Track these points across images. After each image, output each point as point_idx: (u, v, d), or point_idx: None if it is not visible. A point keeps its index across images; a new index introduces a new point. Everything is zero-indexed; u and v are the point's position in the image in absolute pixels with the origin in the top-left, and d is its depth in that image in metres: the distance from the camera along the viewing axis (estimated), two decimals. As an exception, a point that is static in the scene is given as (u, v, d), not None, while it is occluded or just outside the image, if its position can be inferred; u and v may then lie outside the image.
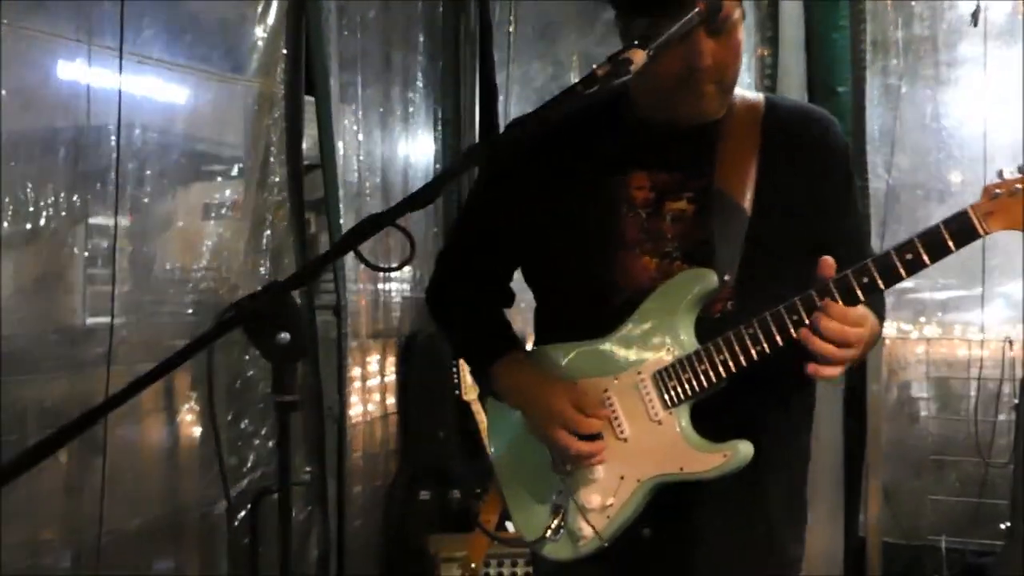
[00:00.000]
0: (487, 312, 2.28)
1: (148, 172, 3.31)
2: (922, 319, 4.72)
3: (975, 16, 4.36)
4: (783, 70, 4.50)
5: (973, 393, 4.52)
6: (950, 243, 1.78)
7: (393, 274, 4.90)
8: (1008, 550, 4.05)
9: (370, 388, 4.68)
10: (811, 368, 1.85)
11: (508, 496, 2.19)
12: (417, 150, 5.04)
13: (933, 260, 1.80)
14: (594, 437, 2.01)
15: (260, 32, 3.79)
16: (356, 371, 4.51)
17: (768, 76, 4.49)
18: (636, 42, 1.60)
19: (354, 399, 4.49)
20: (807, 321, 1.84)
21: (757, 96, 2.10)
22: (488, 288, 2.28)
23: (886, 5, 4.65)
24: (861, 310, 1.86)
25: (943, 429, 4.68)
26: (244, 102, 3.75)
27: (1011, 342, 4.43)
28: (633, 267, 2.03)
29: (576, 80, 2.02)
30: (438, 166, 5.15)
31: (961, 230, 1.78)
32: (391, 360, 4.85)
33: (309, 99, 3.99)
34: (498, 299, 2.30)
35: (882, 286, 1.83)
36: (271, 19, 3.83)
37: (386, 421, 4.80)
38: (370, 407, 4.68)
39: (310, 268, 1.53)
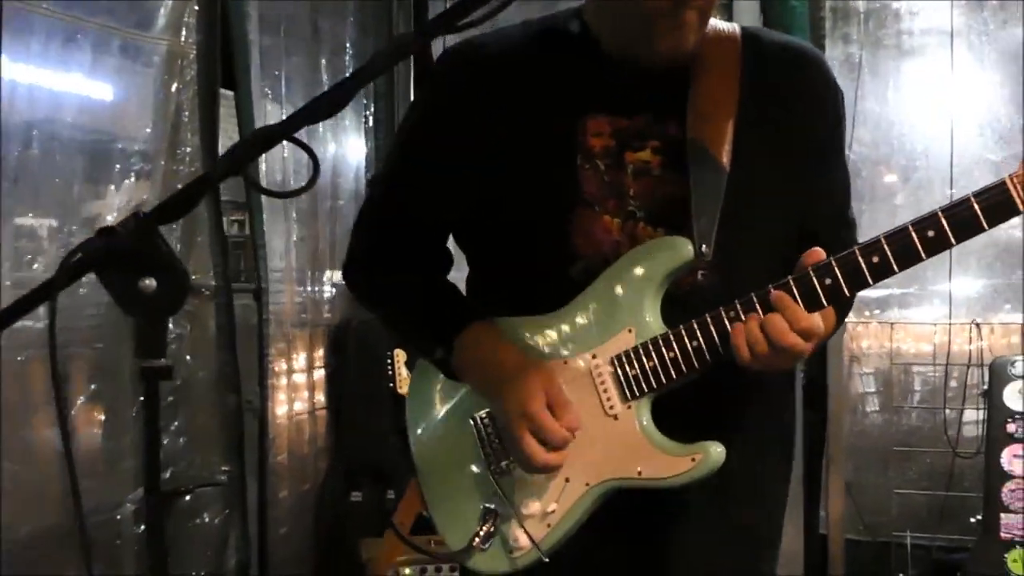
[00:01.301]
0: (434, 278, 1.91)
1: (35, 133, 2.94)
2: (884, 305, 4.49)
3: (941, -22, 4.14)
4: (738, 39, 4.23)
5: (939, 381, 4.28)
6: (983, 220, 1.50)
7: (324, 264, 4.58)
8: (982, 544, 3.82)
9: (296, 383, 4.34)
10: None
11: (430, 496, 1.86)
12: (348, 126, 4.71)
13: (960, 239, 1.52)
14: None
15: (168, -14, 3.44)
16: (281, 365, 4.18)
17: (722, 45, 4.21)
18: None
19: (280, 396, 4.16)
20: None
21: (732, 27, 1.78)
22: (427, 251, 1.90)
23: (846, -29, 4.42)
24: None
25: (906, 419, 4.46)
26: (150, 61, 3.38)
27: (979, 325, 4.20)
28: (593, 229, 1.70)
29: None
30: (370, 144, 4.82)
31: (996, 205, 1.50)
32: (320, 352, 4.51)
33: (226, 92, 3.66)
34: (439, 264, 1.93)
35: (896, 268, 1.55)
36: (181, -27, 3.48)
37: (314, 418, 4.48)
38: (297, 403, 4.35)
39: (182, 196, 1.18)
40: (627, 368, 1.66)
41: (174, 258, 1.24)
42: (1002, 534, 3.79)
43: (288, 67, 4.23)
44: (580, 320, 1.71)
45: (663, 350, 1.63)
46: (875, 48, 4.45)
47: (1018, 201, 1.49)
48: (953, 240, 1.51)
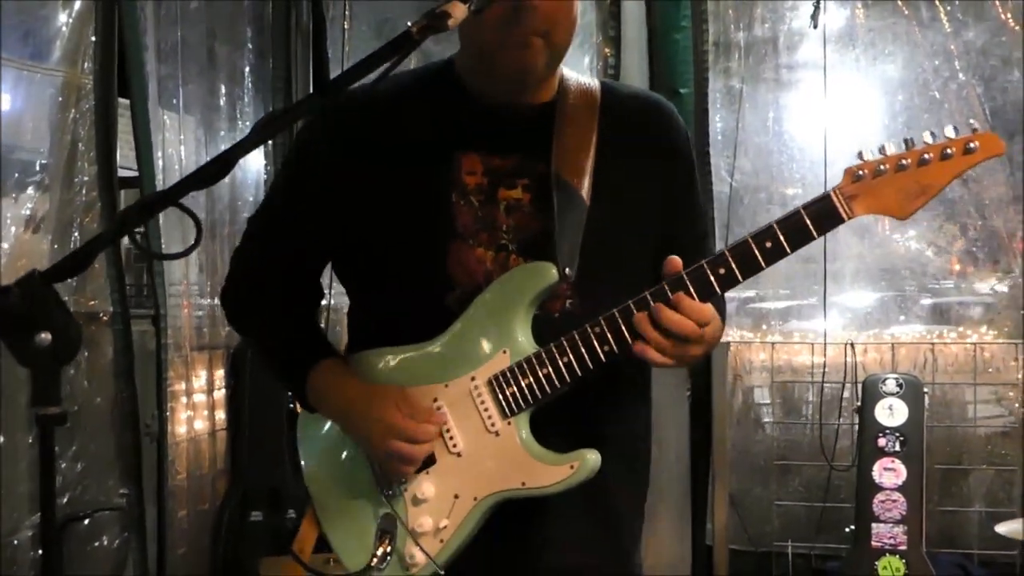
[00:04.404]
0: (296, 314, 2.04)
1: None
2: (765, 325, 4.68)
3: (814, 16, 4.34)
4: (625, 70, 4.41)
5: (816, 398, 4.48)
6: (812, 229, 1.68)
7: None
8: (855, 553, 4.03)
9: (196, 404, 4.39)
10: (638, 346, 1.71)
11: (325, 522, 1.95)
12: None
13: (794, 248, 1.69)
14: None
15: (64, 18, 3.47)
16: (180, 385, 4.22)
17: (611, 76, 4.39)
18: (456, -6, 1.40)
19: (179, 417, 4.20)
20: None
21: (593, 81, 1.96)
22: (295, 286, 2.03)
23: (727, 6, 4.60)
24: (711, 309, 1.73)
25: (787, 434, 4.65)
26: (45, 93, 3.42)
27: (853, 346, 4.42)
28: (467, 260, 1.84)
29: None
30: (270, 168, 4.88)
31: (823, 215, 1.68)
32: (219, 373, 4.56)
33: (123, 101, 3.69)
34: (307, 298, 2.07)
35: (740, 277, 1.71)
36: (78, 3, 3.51)
37: (214, 439, 4.52)
38: (196, 424, 4.38)
39: (76, 257, 1.28)
40: (504, 387, 1.79)
41: (68, 314, 1.33)
42: (873, 543, 3.99)
43: (185, 95, 4.28)
44: (458, 345, 1.83)
45: (537, 368, 1.77)
46: (755, 81, 4.64)
47: (842, 210, 1.67)
48: (788, 249, 1.68)
